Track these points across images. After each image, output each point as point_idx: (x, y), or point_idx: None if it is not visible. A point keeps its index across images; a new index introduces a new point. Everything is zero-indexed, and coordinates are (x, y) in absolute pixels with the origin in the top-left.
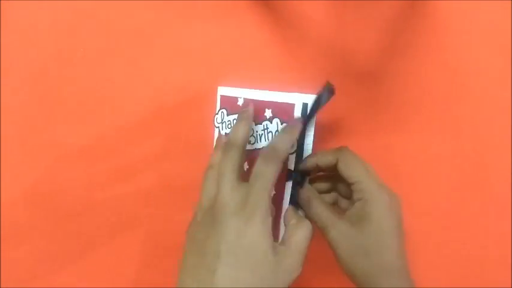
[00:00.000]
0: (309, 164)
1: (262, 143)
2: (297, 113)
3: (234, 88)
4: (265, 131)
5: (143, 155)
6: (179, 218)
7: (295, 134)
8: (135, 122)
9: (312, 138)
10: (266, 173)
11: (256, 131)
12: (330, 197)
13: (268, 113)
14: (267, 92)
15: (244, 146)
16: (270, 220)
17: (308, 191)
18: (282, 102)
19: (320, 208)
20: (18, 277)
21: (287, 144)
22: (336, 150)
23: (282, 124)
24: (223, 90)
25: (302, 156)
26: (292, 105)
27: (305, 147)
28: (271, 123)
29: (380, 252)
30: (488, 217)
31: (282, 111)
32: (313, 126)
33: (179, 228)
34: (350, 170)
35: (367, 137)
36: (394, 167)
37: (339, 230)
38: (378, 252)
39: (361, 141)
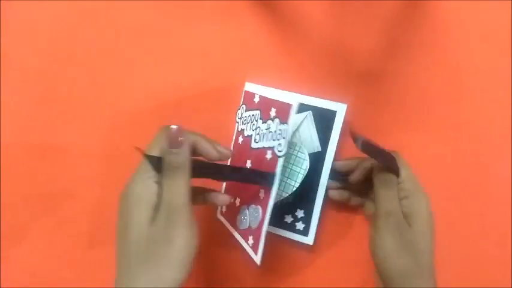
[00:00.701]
0: (362, 170)
1: (264, 143)
2: (293, 113)
3: (257, 85)
4: (267, 130)
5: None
6: None
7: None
8: (134, 122)
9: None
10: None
11: (261, 130)
12: (342, 194)
13: (272, 112)
14: (292, 93)
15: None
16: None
17: (384, 174)
18: (282, 102)
19: (391, 192)
20: (18, 277)
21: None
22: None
23: (280, 124)
24: (248, 86)
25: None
26: (289, 105)
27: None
28: (273, 122)
29: (423, 250)
30: (488, 217)
31: (281, 110)
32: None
33: None
34: (402, 169)
35: (367, 136)
36: None
37: (399, 219)
38: (421, 250)
39: None
